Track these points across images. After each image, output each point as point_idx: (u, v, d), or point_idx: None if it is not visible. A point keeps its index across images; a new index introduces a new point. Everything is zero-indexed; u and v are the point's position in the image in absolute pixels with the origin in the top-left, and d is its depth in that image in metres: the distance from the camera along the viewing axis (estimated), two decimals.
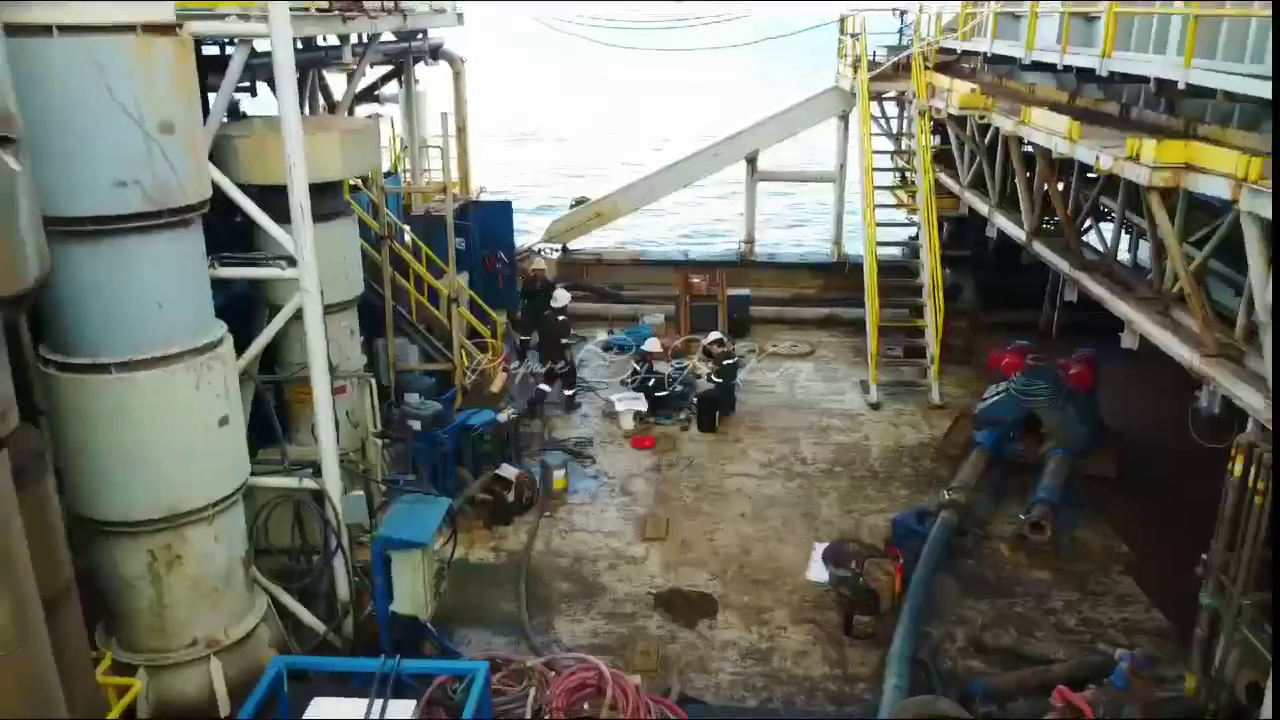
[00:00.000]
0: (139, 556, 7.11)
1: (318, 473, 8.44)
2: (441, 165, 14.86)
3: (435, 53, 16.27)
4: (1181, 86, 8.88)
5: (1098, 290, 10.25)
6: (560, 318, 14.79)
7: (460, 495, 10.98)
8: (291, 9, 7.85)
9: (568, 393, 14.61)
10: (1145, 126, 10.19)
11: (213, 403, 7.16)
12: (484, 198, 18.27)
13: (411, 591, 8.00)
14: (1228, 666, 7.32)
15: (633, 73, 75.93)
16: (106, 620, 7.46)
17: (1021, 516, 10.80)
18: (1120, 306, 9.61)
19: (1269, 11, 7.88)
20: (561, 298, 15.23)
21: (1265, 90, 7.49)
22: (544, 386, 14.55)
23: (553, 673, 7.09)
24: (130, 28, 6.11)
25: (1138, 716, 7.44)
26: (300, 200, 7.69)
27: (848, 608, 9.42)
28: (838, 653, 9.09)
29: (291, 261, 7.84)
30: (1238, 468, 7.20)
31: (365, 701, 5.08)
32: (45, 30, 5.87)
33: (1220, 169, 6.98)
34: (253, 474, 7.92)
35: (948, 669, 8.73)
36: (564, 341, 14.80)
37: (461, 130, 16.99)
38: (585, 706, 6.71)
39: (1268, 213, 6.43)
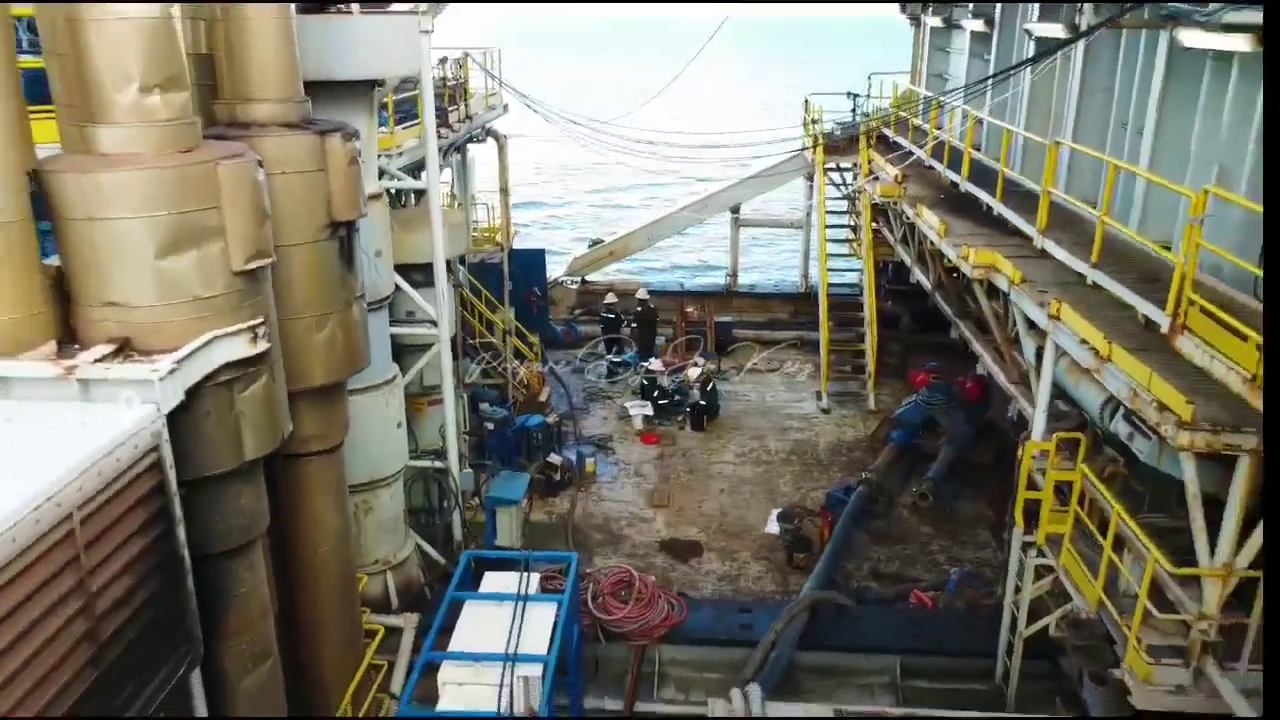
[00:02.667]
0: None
1: (440, 457, 13.06)
2: (489, 221, 19.49)
3: (487, 133, 20.86)
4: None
5: (966, 333, 14.83)
6: (650, 305, 20.80)
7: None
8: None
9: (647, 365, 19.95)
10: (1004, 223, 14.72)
11: (394, 414, 11.75)
12: (518, 244, 22.90)
13: (508, 532, 12.61)
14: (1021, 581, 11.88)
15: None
16: None
17: (915, 490, 15.42)
18: (976, 346, 14.19)
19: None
20: (643, 292, 20.58)
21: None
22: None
23: (602, 575, 11.71)
24: (377, 196, 10.65)
25: (963, 606, 12.10)
26: (441, 286, 12.28)
27: (790, 549, 14.03)
28: (782, 577, 13.69)
29: (433, 323, 12.44)
30: (1022, 454, 11.74)
31: (515, 575, 9.51)
32: None
33: (1005, 271, 11.54)
34: None
35: (854, 587, 13.32)
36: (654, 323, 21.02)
37: (505, 191, 21.59)
38: (621, 592, 11.31)
39: (1024, 301, 10.97)
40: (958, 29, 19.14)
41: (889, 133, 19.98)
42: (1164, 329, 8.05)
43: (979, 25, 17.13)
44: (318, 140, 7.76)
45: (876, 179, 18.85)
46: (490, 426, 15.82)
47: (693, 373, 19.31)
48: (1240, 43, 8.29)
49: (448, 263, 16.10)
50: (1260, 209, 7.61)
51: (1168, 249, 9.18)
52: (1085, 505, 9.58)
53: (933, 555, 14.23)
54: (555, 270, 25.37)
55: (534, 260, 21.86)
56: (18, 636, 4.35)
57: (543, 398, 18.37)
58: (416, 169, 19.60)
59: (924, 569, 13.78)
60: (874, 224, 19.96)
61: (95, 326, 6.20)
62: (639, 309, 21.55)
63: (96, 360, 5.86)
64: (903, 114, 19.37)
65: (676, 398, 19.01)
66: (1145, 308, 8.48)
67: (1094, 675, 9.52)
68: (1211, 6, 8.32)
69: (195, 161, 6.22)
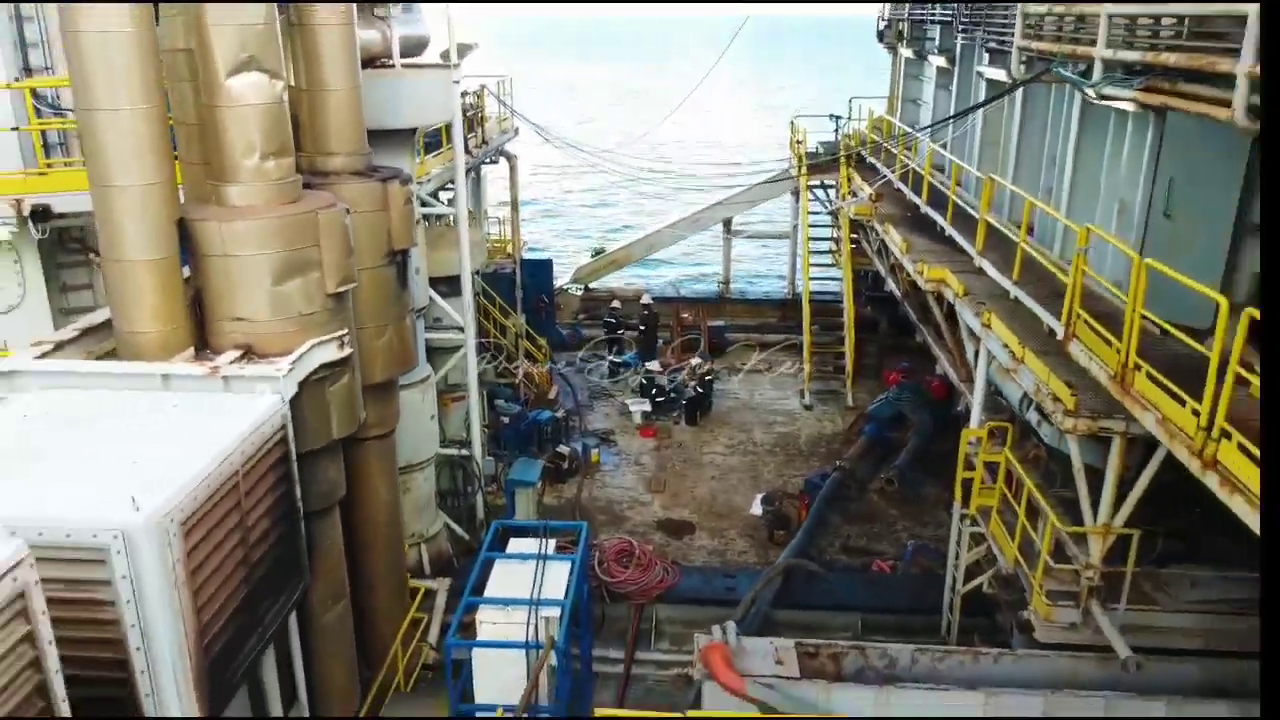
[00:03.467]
0: None
1: (464, 447, 15.00)
2: (500, 233, 21.42)
3: (500, 153, 22.80)
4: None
5: (928, 337, 16.78)
6: (653, 311, 23.01)
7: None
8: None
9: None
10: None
11: (428, 407, 13.69)
12: (526, 254, 24.83)
13: (526, 510, 14.55)
14: (959, 548, 13.83)
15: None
16: None
17: (883, 476, 17.37)
18: (935, 349, 16.15)
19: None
20: (646, 299, 22.49)
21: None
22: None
23: (606, 545, 13.67)
24: (416, 221, 12.57)
25: (917, 573, 14.03)
26: (467, 298, 14.22)
27: (771, 527, 15.97)
28: (764, 551, 15.62)
29: (460, 329, 14.38)
30: (964, 443, 13.67)
31: (535, 540, 11.41)
32: None
33: (952, 285, 13.48)
34: None
35: (826, 559, 15.26)
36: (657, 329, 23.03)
37: (515, 208, 23.52)
38: (623, 559, 13.26)
39: (965, 311, 12.89)
40: (927, 60, 21.04)
41: (866, 154, 21.92)
42: (1060, 336, 9.99)
43: (942, 62, 19.06)
44: (381, 187, 9.71)
45: (856, 195, 20.82)
46: (506, 420, 17.77)
47: (694, 361, 21.36)
48: (1127, 105, 10.21)
49: None
50: (1122, 245, 9.60)
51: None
52: (1012, 483, 11.53)
53: (897, 533, 16.17)
54: (561, 278, 27.33)
55: (542, 269, 23.82)
56: (213, 549, 6.29)
57: (551, 395, 20.32)
58: (439, 189, 21.55)
59: (888, 544, 15.73)
60: (853, 236, 21.94)
61: (225, 336, 8.15)
62: (644, 314, 23.47)
63: (231, 362, 7.81)
64: (876, 139, 21.31)
65: (673, 395, 20.95)
66: (1048, 319, 10.42)
67: (1019, 624, 11.47)
68: (1095, 79, 10.24)
69: (302, 211, 8.17)
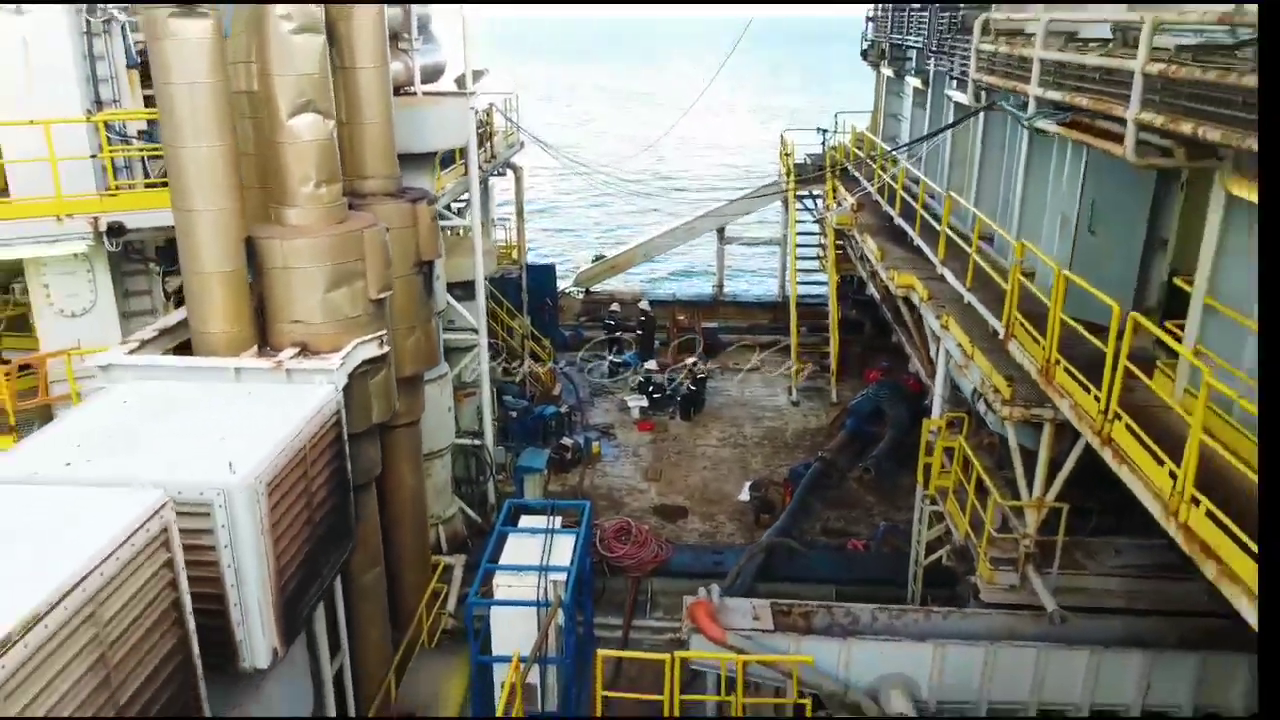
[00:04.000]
0: None
1: (477, 437, 16.47)
2: (507, 240, 22.90)
3: (507, 165, 24.29)
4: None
5: (902, 337, 18.24)
6: (651, 314, 24.39)
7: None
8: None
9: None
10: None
11: (446, 400, 15.16)
12: (530, 259, 26.32)
13: (532, 495, 16.02)
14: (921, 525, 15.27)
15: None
16: None
17: (861, 466, 18.84)
18: (907, 348, 17.61)
19: None
20: (645, 304, 23.85)
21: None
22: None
23: (606, 525, 15.14)
24: (443, 229, 14.06)
25: (887, 550, 15.50)
26: (481, 302, 15.69)
27: (758, 511, 17.43)
28: (750, 534, 17.08)
29: (474, 330, 15.86)
30: (925, 432, 15.11)
31: (544, 517, 12.85)
32: None
33: (919, 291, 14.94)
34: None
35: (807, 540, 16.71)
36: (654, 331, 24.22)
37: (521, 216, 25.01)
38: (622, 537, 14.73)
39: (928, 314, 14.35)
40: (905, 80, 22.49)
41: (850, 167, 23.40)
42: (1001, 336, 11.45)
43: (918, 83, 20.53)
44: (411, 207, 11.18)
45: (840, 206, 22.29)
46: (514, 415, 19.24)
47: (689, 360, 22.87)
48: (1059, 132, 11.67)
49: None
50: (1045, 257, 11.06)
51: (1032, 275, 12.57)
52: (966, 466, 12.98)
53: (872, 517, 17.63)
54: (563, 282, 28.80)
55: (545, 274, 25.30)
56: (287, 508, 7.76)
57: (555, 392, 21.79)
58: (451, 201, 22.93)
59: (864, 527, 17.20)
60: (839, 244, 23.40)
61: (284, 336, 9.62)
62: (642, 317, 24.90)
63: (292, 358, 9.28)
64: (858, 153, 22.79)
65: (669, 392, 22.42)
66: (992, 321, 11.89)
67: (974, 592, 12.93)
68: (1030, 112, 11.72)
69: (349, 230, 9.65)
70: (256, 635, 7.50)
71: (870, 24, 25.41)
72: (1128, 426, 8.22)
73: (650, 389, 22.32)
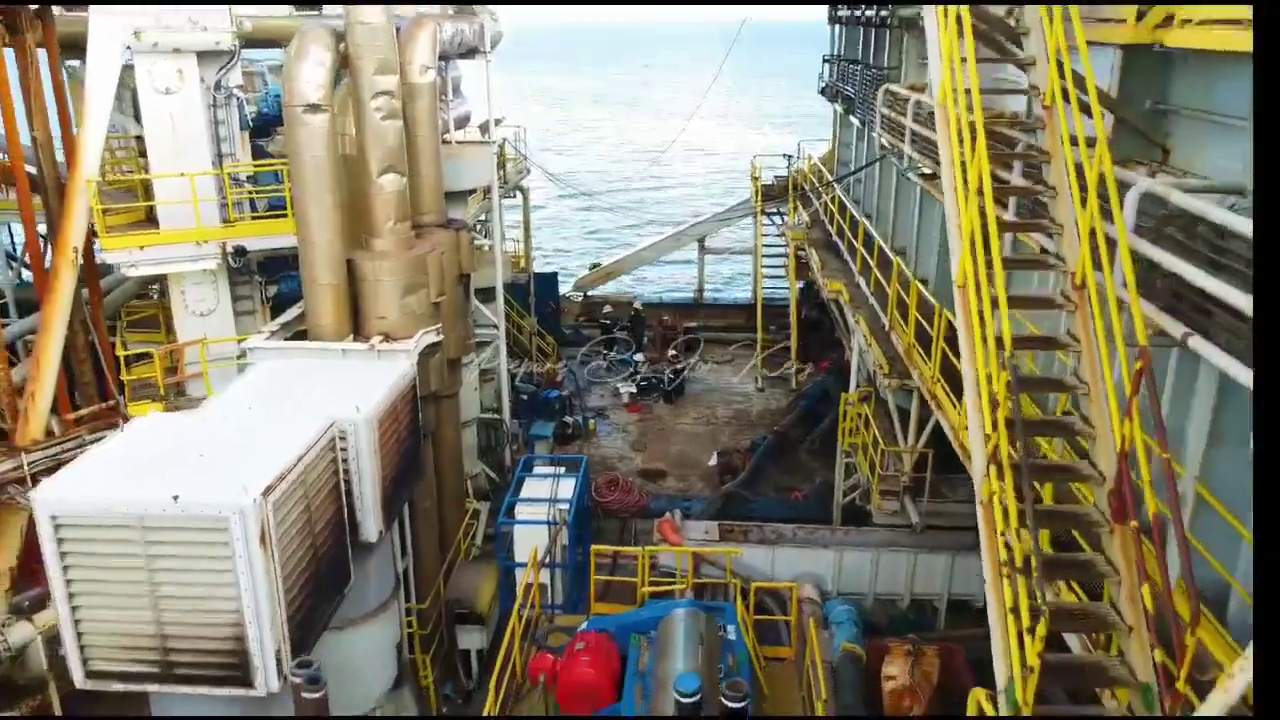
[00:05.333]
0: None
1: (496, 412, 20.63)
2: (515, 250, 27.05)
3: (516, 187, 28.47)
4: None
5: (840, 333, 22.36)
6: (641, 314, 27.92)
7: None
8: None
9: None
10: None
11: (473, 380, 19.29)
12: (536, 268, 30.50)
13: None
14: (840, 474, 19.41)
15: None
16: None
17: (809, 439, 22.98)
18: (845, 342, 21.74)
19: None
20: (637, 304, 28.06)
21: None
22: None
23: (600, 478, 19.29)
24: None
25: (818, 499, 19.64)
26: (499, 304, 19.83)
27: (722, 473, 21.57)
28: (716, 490, 21.21)
29: (494, 326, 20.01)
30: (844, 403, 19.25)
31: (552, 467, 16.93)
32: None
33: (844, 294, 19.05)
34: None
35: (758, 491, 20.82)
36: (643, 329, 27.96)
37: (528, 232, 29.18)
38: (612, 487, 18.87)
39: (850, 314, 18.46)
40: (851, 117, 26.62)
41: (807, 189, 27.59)
42: (888, 327, 15.60)
43: (858, 123, 24.70)
44: (455, 235, 15.35)
45: (798, 223, 26.48)
46: (524, 397, 23.38)
47: (672, 354, 27.05)
48: (920, 183, 15.81)
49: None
50: (901, 263, 15.18)
51: (927, 282, 16.69)
52: (870, 427, 17.09)
53: (814, 478, 21.78)
54: (564, 286, 32.97)
55: (549, 280, 29.48)
56: (389, 447, 11.90)
57: (559, 379, 25.96)
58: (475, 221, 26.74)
59: (806, 484, 21.35)
60: (800, 253, 27.54)
61: (373, 327, 13.76)
62: (632, 316, 29.01)
63: (380, 343, 13.42)
64: (813, 179, 26.98)
65: (654, 381, 26.58)
66: (883, 317, 16.04)
67: (870, 517, 17.06)
68: (905, 165, 15.89)
69: (416, 254, 13.81)
70: (369, 518, 11.63)
71: (826, 65, 29.57)
72: (941, 385, 12.39)
73: (638, 378, 26.48)
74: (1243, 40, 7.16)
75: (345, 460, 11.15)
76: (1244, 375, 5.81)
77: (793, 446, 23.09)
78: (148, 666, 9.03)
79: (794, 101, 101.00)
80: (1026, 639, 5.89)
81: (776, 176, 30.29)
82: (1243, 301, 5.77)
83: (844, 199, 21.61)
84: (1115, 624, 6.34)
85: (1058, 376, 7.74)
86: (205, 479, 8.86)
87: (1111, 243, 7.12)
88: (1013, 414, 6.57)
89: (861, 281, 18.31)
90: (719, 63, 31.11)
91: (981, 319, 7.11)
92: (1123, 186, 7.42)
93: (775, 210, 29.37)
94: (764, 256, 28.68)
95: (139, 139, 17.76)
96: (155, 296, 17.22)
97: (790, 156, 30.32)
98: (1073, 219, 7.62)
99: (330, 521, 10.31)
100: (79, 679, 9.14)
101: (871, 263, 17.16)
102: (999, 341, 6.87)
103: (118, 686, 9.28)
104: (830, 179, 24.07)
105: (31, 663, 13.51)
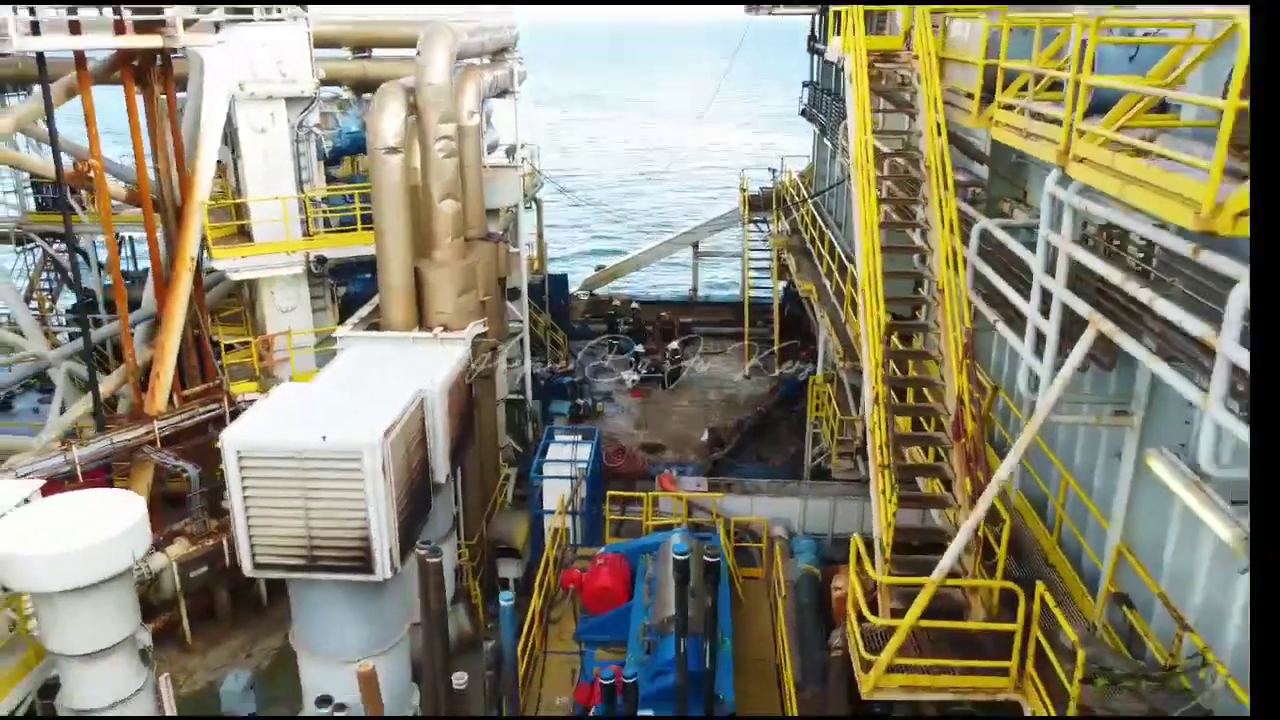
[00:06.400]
0: None
1: (520, 394, 24.36)
2: (531, 256, 30.75)
3: (533, 200, 32.11)
4: None
5: (825, 327, 26.06)
6: (640, 311, 31.48)
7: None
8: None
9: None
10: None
11: (503, 367, 22.98)
12: (549, 270, 34.17)
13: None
14: (809, 441, 23.12)
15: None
16: None
17: (787, 417, 26.71)
18: (833, 340, 25.44)
19: None
20: (635, 304, 31.76)
21: None
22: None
23: (610, 448, 23.01)
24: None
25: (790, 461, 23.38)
26: (524, 301, 23.52)
27: (712, 446, 25.30)
28: (706, 460, 24.93)
29: (519, 321, 23.71)
30: (812, 383, 22.95)
31: (572, 437, 20.58)
32: None
33: (814, 293, 22.75)
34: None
35: (741, 460, 24.52)
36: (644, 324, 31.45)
37: (541, 238, 32.84)
38: (619, 454, 22.57)
39: (818, 310, 22.16)
40: (826, 136, 30.33)
41: (788, 200, 31.28)
42: (844, 320, 19.26)
43: (829, 144, 28.40)
44: (495, 246, 19.04)
45: (780, 231, 30.18)
46: (542, 383, 27.08)
47: (670, 347, 30.75)
48: None
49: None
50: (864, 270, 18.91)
51: None
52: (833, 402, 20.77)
53: (790, 449, 25.51)
54: (573, 286, 36.64)
55: (561, 281, 33.17)
56: (453, 411, 15.58)
57: (571, 367, 29.68)
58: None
59: (783, 455, 25.08)
60: (783, 257, 31.25)
61: (434, 321, 17.44)
62: (632, 313, 32.73)
63: (441, 332, 17.12)
64: (792, 192, 30.71)
65: (654, 370, 30.28)
66: (841, 312, 19.73)
67: (830, 474, 20.77)
68: None
69: (468, 263, 17.51)
70: (440, 464, 15.30)
71: (805, 89, 33.26)
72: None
73: (640, 367, 30.18)
74: (1015, 139, 10.80)
75: (424, 419, 14.84)
76: (1023, 348, 9.50)
77: (774, 424, 26.80)
78: (298, 559, 12.74)
79: (793, 102, 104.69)
80: (889, 507, 9.61)
81: (762, 188, 33.96)
82: (1020, 300, 9.48)
83: (815, 211, 25.31)
84: (949, 501, 10.06)
85: (926, 350, 11.48)
86: (341, 425, 12.57)
87: (963, 261, 10.85)
88: (887, 373, 10.28)
89: (826, 283, 22.01)
90: (718, 61, 34.54)
91: (875, 311, 10.82)
92: (970, 223, 11.15)
93: (761, 219, 33.05)
94: (751, 260, 32.38)
95: (220, 164, 21.39)
96: (245, 295, 20.87)
97: (774, 170, 33.98)
98: (938, 243, 11.33)
99: (419, 462, 14.03)
100: (248, 568, 12.85)
101: (834, 267, 20.85)
102: (887, 328, 10.58)
103: (276, 575, 13.02)
104: (804, 195, 27.79)
105: (165, 585, 17.22)
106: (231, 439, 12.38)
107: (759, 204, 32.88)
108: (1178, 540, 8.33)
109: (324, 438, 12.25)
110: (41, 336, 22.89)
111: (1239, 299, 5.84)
